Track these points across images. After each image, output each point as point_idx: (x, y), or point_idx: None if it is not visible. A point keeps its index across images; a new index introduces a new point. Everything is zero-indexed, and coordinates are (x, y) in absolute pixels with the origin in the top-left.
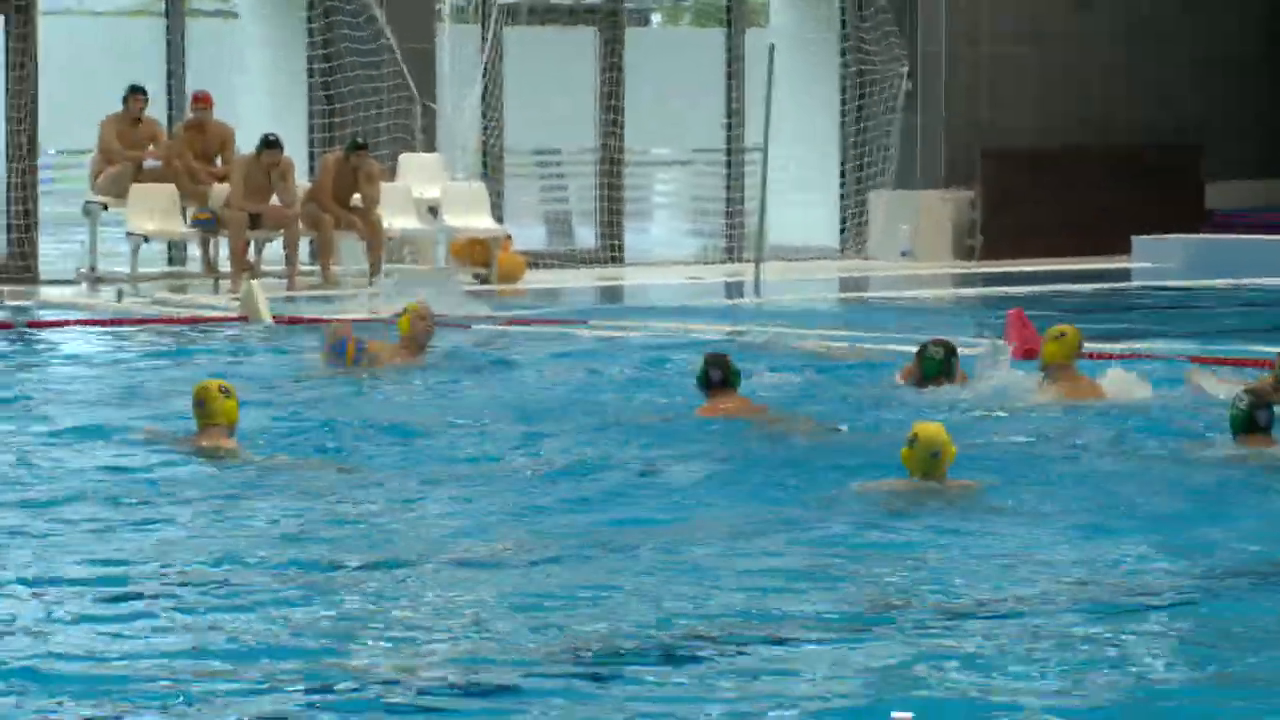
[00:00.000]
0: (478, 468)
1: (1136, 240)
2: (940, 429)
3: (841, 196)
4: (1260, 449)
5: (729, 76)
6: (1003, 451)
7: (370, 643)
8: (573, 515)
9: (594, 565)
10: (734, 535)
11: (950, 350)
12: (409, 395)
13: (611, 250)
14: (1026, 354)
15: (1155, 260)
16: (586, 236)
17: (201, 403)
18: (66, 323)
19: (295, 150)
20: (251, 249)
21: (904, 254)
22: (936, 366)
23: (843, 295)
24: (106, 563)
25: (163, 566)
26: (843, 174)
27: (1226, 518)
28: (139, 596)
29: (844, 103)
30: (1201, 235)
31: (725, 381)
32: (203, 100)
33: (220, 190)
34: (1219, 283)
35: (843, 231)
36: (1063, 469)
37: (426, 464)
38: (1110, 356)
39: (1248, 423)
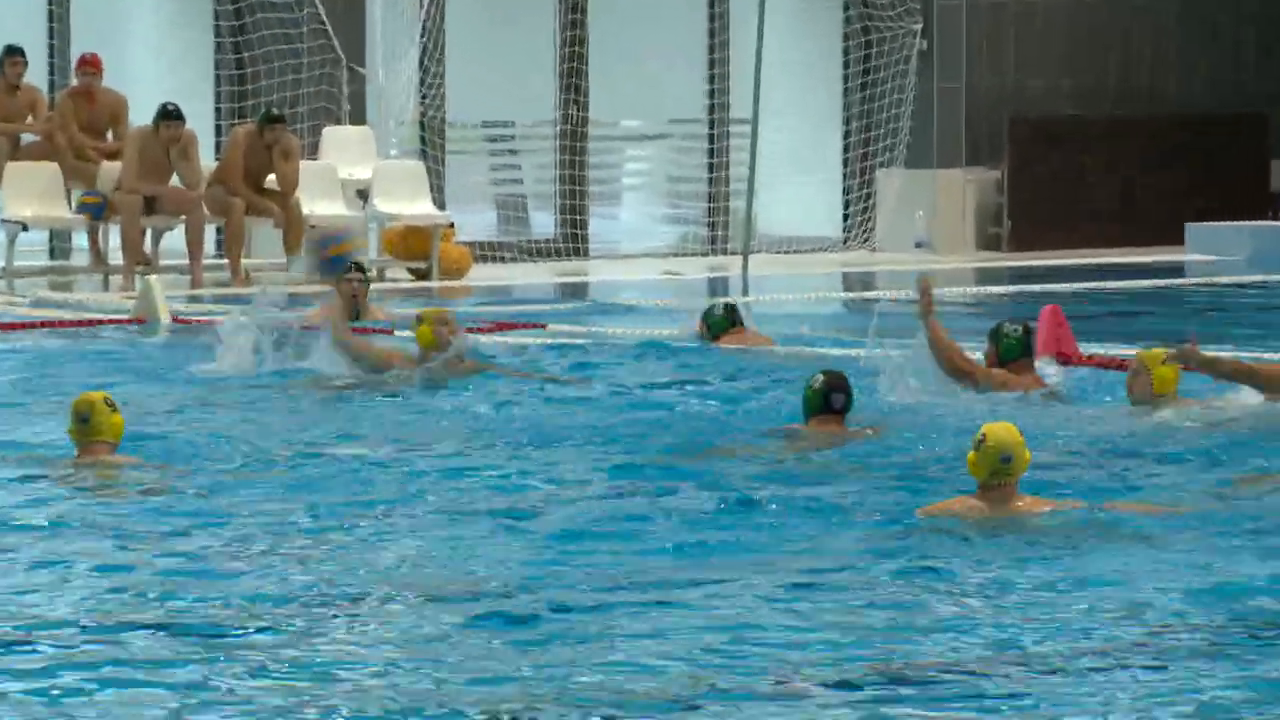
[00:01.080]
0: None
1: (1191, 228)
2: (1012, 429)
3: (844, 177)
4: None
5: (711, 35)
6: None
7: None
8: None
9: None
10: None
11: (1027, 329)
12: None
13: (573, 240)
14: (1059, 357)
15: (1213, 251)
16: (544, 224)
17: (86, 418)
18: None
19: (199, 123)
20: (148, 238)
21: (918, 245)
22: (1017, 346)
23: (846, 295)
24: None
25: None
26: (846, 151)
27: None
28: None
29: (847, 66)
30: (1268, 222)
31: (844, 408)
32: (91, 64)
33: (111, 169)
34: None
35: (846, 219)
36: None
37: (346, 486)
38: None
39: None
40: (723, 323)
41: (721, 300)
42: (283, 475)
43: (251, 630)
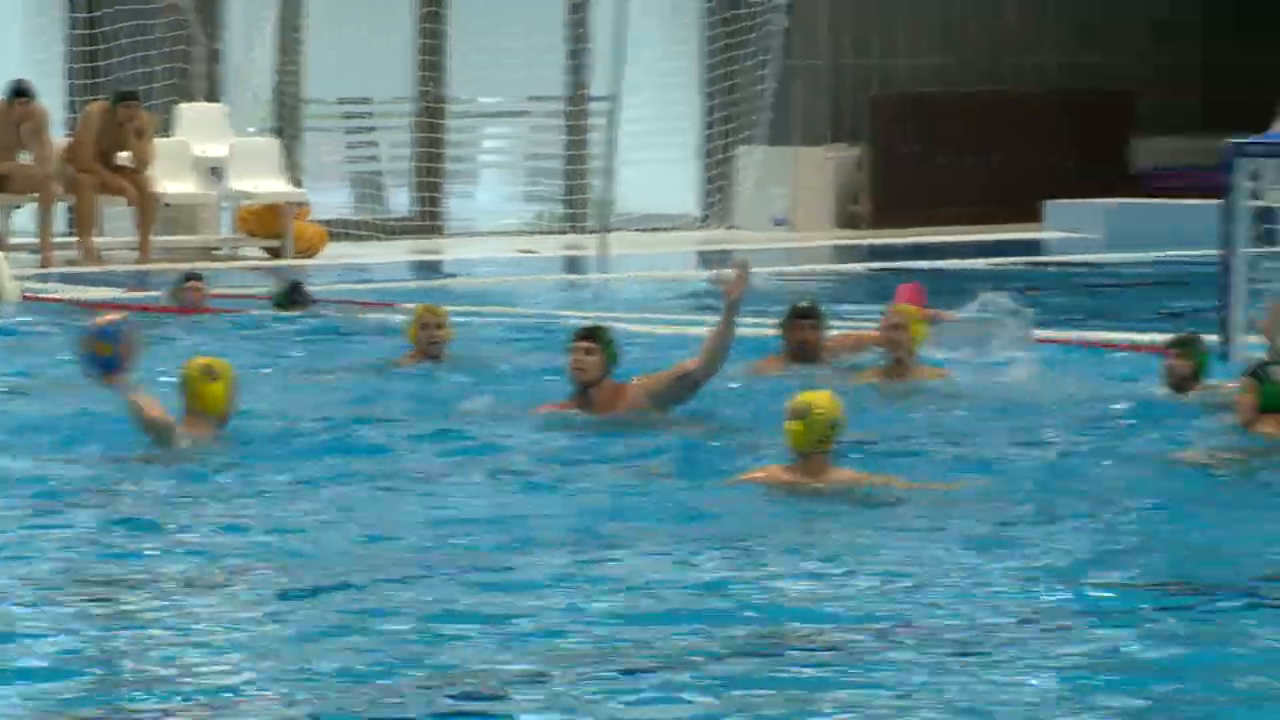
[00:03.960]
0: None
1: (1050, 205)
2: (836, 398)
3: (704, 155)
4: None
5: (571, 12)
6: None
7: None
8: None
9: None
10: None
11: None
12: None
13: (430, 218)
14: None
15: (1072, 229)
16: (400, 202)
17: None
18: None
19: (50, 100)
20: None
21: (778, 223)
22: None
23: (703, 273)
24: None
25: None
26: (706, 128)
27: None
28: None
29: (708, 43)
30: (1126, 200)
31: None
32: None
33: None
34: (1146, 255)
35: (705, 196)
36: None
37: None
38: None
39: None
40: (281, 300)
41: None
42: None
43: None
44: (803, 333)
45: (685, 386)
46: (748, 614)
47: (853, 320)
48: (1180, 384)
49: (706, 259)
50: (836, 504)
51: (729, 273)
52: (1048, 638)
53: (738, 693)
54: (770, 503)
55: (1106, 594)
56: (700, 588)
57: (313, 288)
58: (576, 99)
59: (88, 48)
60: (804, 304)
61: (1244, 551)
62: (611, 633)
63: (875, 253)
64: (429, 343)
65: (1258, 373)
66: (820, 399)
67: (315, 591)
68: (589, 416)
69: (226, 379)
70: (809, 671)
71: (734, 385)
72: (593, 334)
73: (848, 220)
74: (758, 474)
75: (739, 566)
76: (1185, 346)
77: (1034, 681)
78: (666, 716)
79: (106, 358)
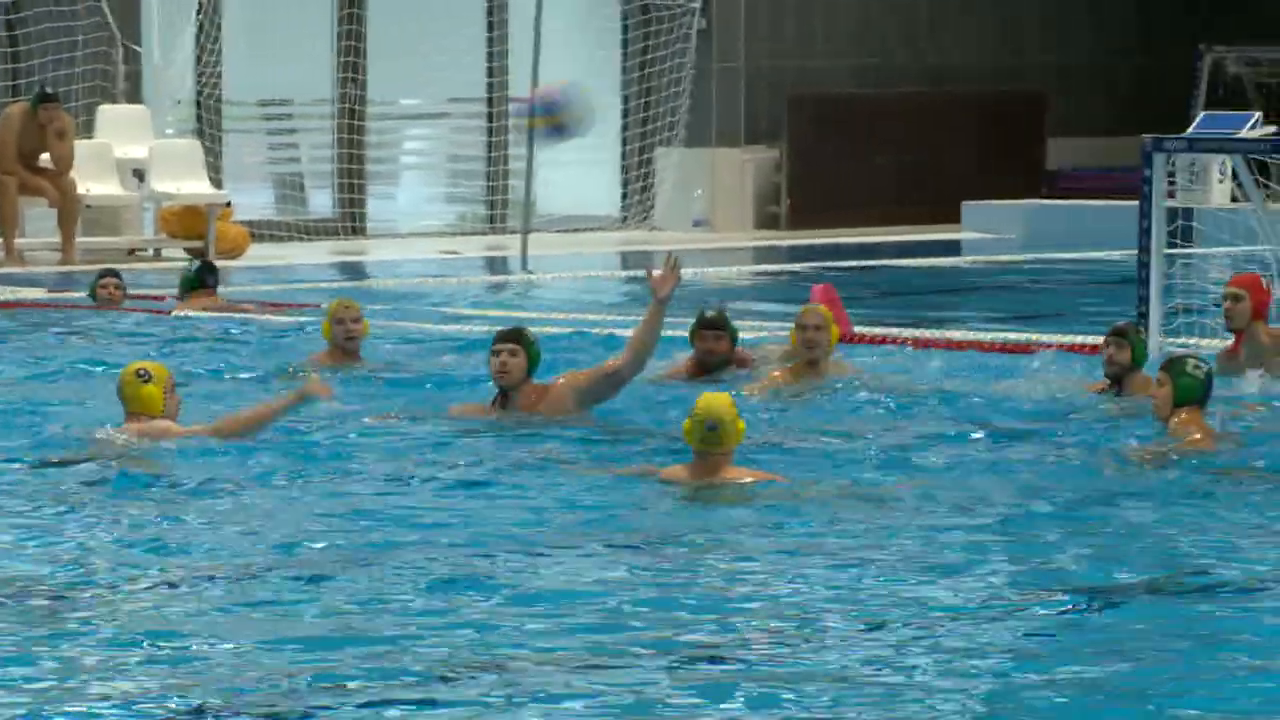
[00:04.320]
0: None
1: (967, 206)
2: (724, 400)
3: (623, 156)
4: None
5: (490, 14)
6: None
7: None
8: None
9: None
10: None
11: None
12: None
13: (352, 219)
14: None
15: (988, 230)
16: (322, 203)
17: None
18: None
19: None
20: None
21: (697, 223)
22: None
23: (624, 273)
24: None
25: None
26: (625, 130)
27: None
28: None
29: (626, 45)
30: (1040, 201)
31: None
32: None
33: None
34: (1060, 255)
35: (625, 197)
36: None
37: None
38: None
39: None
40: (192, 281)
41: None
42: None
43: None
44: (709, 343)
45: (612, 384)
46: (647, 613)
47: (770, 322)
48: (1119, 374)
49: (627, 260)
50: (734, 504)
51: (659, 272)
52: (948, 633)
53: (637, 689)
54: (663, 499)
55: (1009, 591)
56: (599, 586)
57: (235, 288)
58: (496, 101)
59: (8, 49)
60: (711, 314)
61: (1151, 547)
62: (515, 628)
63: (793, 253)
64: (345, 338)
65: (1171, 366)
66: (717, 402)
67: (224, 589)
68: (509, 418)
69: (160, 380)
70: (703, 669)
71: (646, 388)
72: (514, 336)
73: (767, 221)
74: (658, 473)
75: (633, 566)
76: (1123, 336)
77: (925, 678)
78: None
79: (554, 127)
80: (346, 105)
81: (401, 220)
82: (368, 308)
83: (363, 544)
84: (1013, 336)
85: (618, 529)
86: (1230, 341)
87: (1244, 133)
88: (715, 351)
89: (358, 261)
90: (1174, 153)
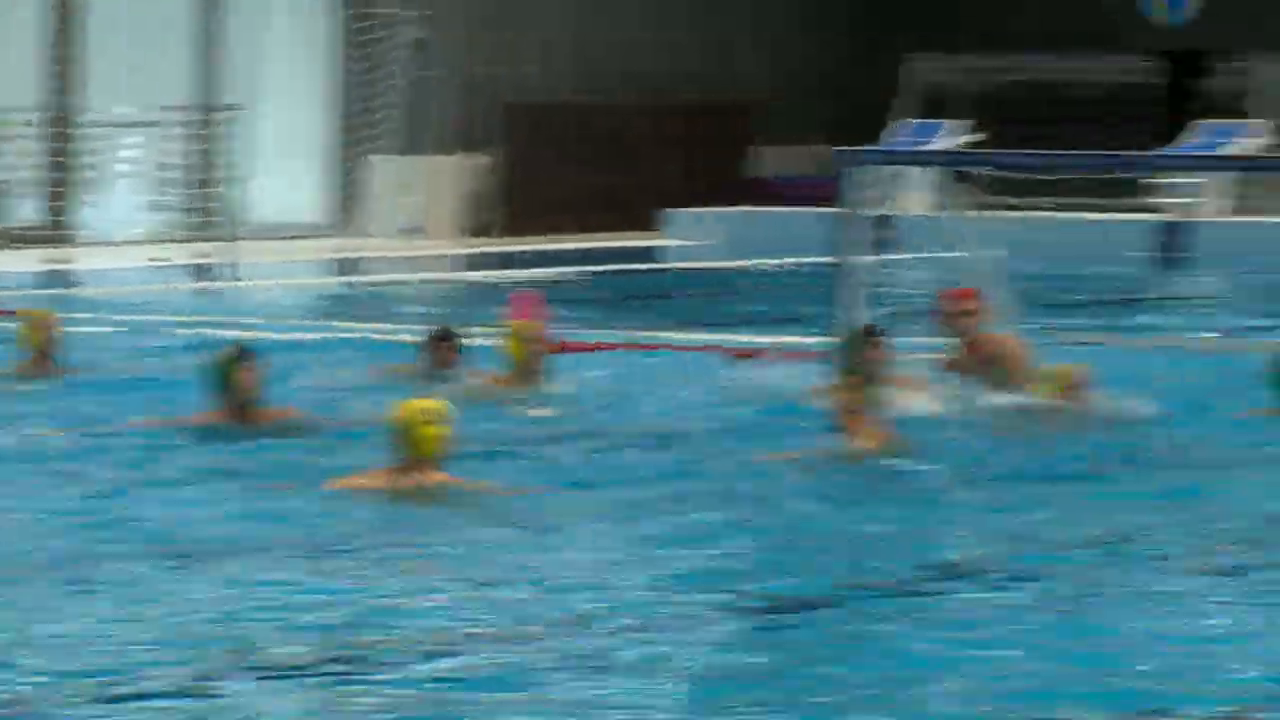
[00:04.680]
0: None
1: (668, 214)
2: (424, 406)
3: (335, 163)
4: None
5: (205, 21)
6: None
7: None
8: None
9: None
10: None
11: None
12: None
13: (60, 227)
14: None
15: (691, 237)
16: (29, 211)
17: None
18: None
19: None
20: None
21: (409, 231)
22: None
23: (336, 280)
24: None
25: None
26: (339, 136)
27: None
28: None
29: (342, 51)
30: (745, 208)
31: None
32: None
33: None
34: (760, 263)
35: (336, 204)
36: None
37: None
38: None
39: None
40: None
41: None
42: None
43: None
44: (440, 353)
45: None
46: (343, 620)
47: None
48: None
49: (338, 266)
50: (438, 508)
51: None
52: (653, 641)
53: (334, 692)
54: (363, 506)
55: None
56: (299, 594)
57: None
58: (206, 108)
59: None
60: (439, 327)
61: (834, 548)
62: (210, 632)
63: (504, 260)
64: (46, 344)
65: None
66: (406, 405)
67: None
68: (240, 427)
69: None
70: (393, 675)
71: (367, 391)
72: (254, 353)
73: (480, 228)
74: (359, 479)
75: (330, 573)
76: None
77: (648, 682)
78: None
79: None
80: (56, 113)
81: (113, 228)
82: (70, 315)
83: (60, 546)
84: (710, 339)
85: (322, 537)
86: (952, 352)
87: (935, 143)
88: (445, 362)
89: (66, 270)
90: (858, 166)
